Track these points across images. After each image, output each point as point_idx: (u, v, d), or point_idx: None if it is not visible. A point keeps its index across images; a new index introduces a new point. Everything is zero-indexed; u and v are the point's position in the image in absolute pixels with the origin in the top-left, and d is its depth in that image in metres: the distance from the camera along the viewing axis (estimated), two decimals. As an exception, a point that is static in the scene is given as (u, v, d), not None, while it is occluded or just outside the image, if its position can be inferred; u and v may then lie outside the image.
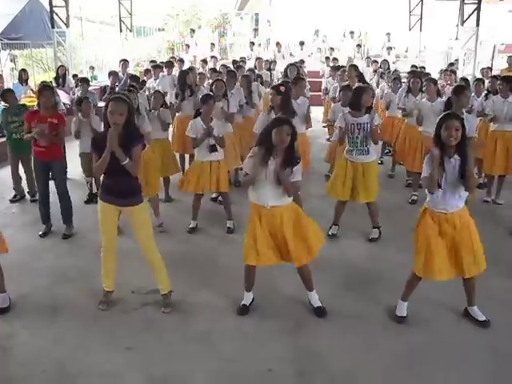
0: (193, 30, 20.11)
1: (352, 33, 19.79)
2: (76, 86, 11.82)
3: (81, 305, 4.75)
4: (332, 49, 18.85)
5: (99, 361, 3.97)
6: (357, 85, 8.07)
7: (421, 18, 19.79)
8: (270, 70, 12.99)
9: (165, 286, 4.70)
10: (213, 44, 19.04)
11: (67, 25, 15.73)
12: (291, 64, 10.75)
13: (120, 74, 12.35)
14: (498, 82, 7.56)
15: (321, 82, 14.97)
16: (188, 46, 18.50)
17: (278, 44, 18.58)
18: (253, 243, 4.31)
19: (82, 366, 3.93)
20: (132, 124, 4.36)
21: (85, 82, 9.81)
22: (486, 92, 8.09)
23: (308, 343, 4.20)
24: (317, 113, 11.84)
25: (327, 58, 16.26)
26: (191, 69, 10.55)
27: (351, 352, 4.09)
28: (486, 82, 9.07)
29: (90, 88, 10.17)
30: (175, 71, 12.46)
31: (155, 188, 6.51)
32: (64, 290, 5.03)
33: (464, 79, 10.22)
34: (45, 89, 6.27)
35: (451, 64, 14.94)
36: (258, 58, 13.42)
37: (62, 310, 4.68)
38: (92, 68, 17.65)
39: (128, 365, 3.93)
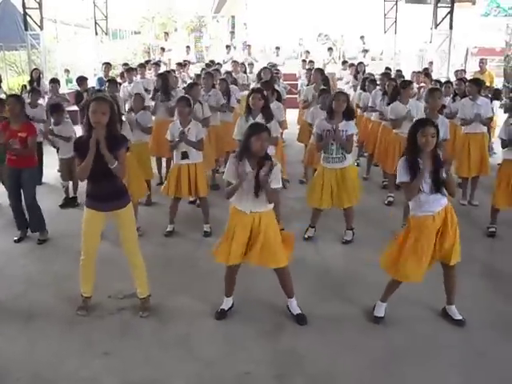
0: (167, 34, 20.04)
1: (326, 36, 19.82)
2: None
3: (56, 310, 4.70)
4: (308, 52, 18.91)
5: (76, 367, 3.93)
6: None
7: (395, 22, 20.00)
8: (245, 72, 13.01)
9: (144, 290, 4.67)
10: (188, 47, 18.97)
11: (41, 27, 15.58)
12: (265, 67, 10.81)
13: (103, 77, 12.31)
14: (467, 84, 7.69)
15: (297, 84, 15.08)
16: (163, 49, 18.43)
17: (248, 46, 18.57)
18: (227, 244, 4.30)
19: (58, 372, 3.88)
20: (115, 125, 4.32)
21: (55, 81, 9.67)
22: (452, 94, 8.22)
23: (286, 346, 4.21)
24: (293, 115, 11.87)
25: (304, 61, 16.33)
26: (169, 72, 10.55)
27: (329, 353, 4.10)
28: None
29: (65, 91, 10.17)
30: (148, 75, 12.50)
31: (140, 193, 6.49)
32: (39, 296, 4.96)
33: (437, 81, 10.35)
34: (10, 97, 6.22)
35: (426, 69, 15.14)
36: (233, 61, 13.43)
37: (38, 316, 4.62)
38: (67, 71, 17.47)
39: (105, 370, 3.90)
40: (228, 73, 10.97)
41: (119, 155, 4.21)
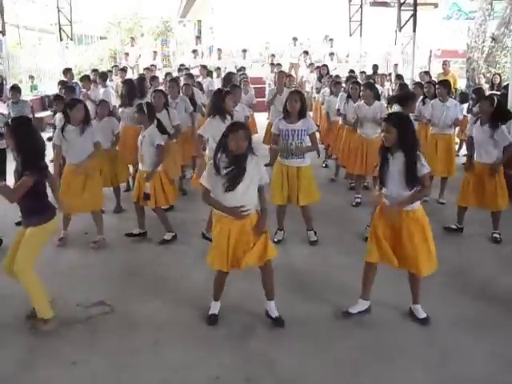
0: (133, 39, 19.86)
1: (295, 39, 19.81)
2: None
3: (22, 320, 4.60)
4: (273, 55, 18.96)
5: (44, 378, 3.87)
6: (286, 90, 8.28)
7: (361, 24, 20.24)
8: (211, 77, 12.96)
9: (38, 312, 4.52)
10: (155, 52, 18.79)
11: (3, 33, 15.25)
12: (230, 72, 10.80)
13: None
14: (437, 86, 7.86)
15: (264, 87, 15.18)
16: (127, 54, 18.22)
17: (219, 50, 18.57)
18: (224, 251, 4.24)
19: (26, 383, 3.82)
20: (22, 150, 4.29)
21: (15, 88, 9.46)
22: (422, 96, 8.36)
23: (256, 349, 4.21)
24: (261, 119, 11.91)
25: (272, 65, 16.42)
26: (143, 78, 10.35)
27: (299, 355, 4.12)
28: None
29: (30, 98, 9.98)
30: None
31: (97, 203, 6.34)
32: (3, 306, 4.87)
33: (402, 84, 10.41)
34: None
35: (375, 66, 15.44)
36: (201, 66, 13.39)
37: (2, 326, 4.53)
38: (32, 77, 17.21)
39: (74, 380, 3.85)
40: (192, 77, 10.98)
41: (21, 181, 4.19)
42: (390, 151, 4.26)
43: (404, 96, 6.71)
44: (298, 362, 4.04)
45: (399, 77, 12.38)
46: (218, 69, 14.67)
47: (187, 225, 6.82)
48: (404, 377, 3.88)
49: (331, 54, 18.42)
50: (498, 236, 6.33)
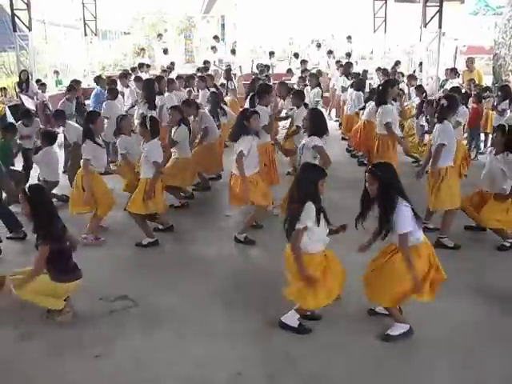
0: (160, 35, 19.83)
1: (319, 45, 19.53)
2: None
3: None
4: (295, 55, 18.80)
5: (67, 370, 3.91)
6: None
7: (385, 21, 20.03)
8: (230, 78, 12.77)
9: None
10: (165, 50, 18.41)
11: (29, 28, 15.41)
12: (255, 78, 10.45)
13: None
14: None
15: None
16: (143, 49, 18.22)
17: (233, 51, 18.38)
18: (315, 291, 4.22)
19: (49, 376, 3.88)
20: (37, 217, 4.39)
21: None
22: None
23: (278, 345, 4.21)
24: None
25: (289, 71, 16.35)
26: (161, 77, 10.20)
27: (321, 352, 4.11)
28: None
29: (48, 94, 9.92)
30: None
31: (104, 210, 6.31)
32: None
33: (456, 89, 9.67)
34: None
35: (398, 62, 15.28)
36: (226, 70, 13.29)
37: (29, 319, 4.58)
38: (56, 72, 17.38)
39: (97, 373, 3.89)
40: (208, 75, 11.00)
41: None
42: (372, 200, 4.16)
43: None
44: (320, 359, 4.03)
45: (419, 89, 10.83)
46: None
47: (209, 220, 6.84)
48: (427, 375, 3.85)
49: (347, 55, 18.23)
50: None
